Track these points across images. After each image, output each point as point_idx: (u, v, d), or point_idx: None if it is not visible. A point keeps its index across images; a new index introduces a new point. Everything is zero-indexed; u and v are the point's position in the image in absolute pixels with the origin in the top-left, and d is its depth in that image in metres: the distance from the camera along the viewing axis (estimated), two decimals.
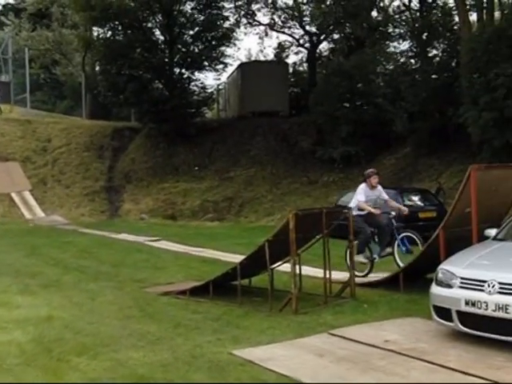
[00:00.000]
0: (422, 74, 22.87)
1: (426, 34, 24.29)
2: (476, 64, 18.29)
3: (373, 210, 9.93)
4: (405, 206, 15.57)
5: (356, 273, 9.08)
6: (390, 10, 29.35)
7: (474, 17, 23.24)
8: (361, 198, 10.04)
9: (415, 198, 16.44)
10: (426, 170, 21.38)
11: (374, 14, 28.88)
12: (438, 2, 27.13)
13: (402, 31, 28.45)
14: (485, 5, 21.55)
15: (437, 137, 21.24)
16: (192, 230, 20.17)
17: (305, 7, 30.09)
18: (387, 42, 29.86)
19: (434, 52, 24.96)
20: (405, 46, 28.09)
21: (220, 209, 23.62)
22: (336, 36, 31.00)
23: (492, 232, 7.34)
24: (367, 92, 24.22)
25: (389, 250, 10.18)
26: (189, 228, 20.79)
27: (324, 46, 32.82)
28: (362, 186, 10.23)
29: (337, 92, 23.87)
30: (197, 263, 12.36)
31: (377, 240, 10.21)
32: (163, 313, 7.90)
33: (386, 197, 10.43)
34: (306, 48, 32.70)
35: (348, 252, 9.62)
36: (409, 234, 10.20)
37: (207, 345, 6.30)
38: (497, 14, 23.31)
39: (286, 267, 8.28)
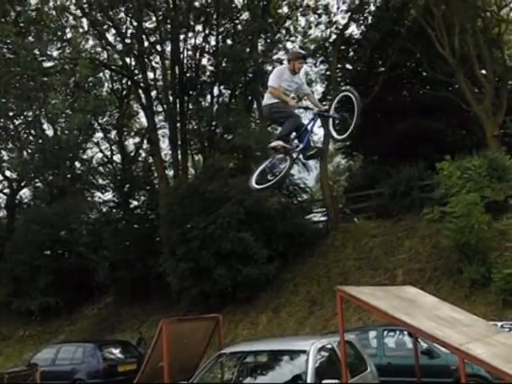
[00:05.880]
0: (125, 223, 23.41)
1: (127, 186, 25.22)
2: (173, 217, 19.46)
3: (290, 101, 7.38)
4: (104, 359, 15.38)
5: None
6: (94, 161, 30.09)
7: (171, 173, 25.07)
8: (273, 83, 7.34)
9: (115, 351, 16.00)
10: (129, 319, 21.24)
11: (78, 164, 29.29)
12: (139, 158, 28.80)
13: (105, 182, 29.18)
14: (180, 163, 23.49)
15: (139, 286, 21.49)
16: None
17: (4, 153, 29.21)
18: (91, 191, 30.23)
19: (136, 203, 25.92)
20: (108, 196, 28.76)
21: None
22: (38, 183, 30.40)
23: None
24: (69, 240, 23.92)
25: (314, 147, 7.60)
26: None
27: (25, 192, 31.91)
28: (281, 67, 7.63)
29: (37, 240, 23.11)
30: None
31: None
32: None
33: (308, 90, 7.86)
34: (4, 194, 31.38)
35: None
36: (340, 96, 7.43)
37: None
38: (192, 171, 25.53)
39: None
